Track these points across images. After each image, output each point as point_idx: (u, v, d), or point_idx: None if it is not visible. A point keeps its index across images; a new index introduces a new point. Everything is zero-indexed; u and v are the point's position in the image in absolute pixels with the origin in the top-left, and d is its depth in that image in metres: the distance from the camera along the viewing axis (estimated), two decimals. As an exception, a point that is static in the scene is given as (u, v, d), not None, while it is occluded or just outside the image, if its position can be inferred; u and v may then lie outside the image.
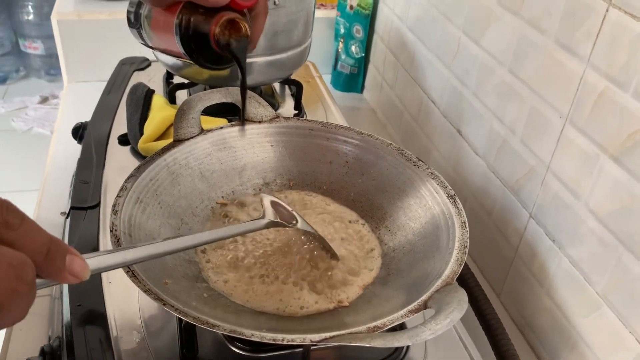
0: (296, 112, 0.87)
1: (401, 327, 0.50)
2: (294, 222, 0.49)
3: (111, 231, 0.45)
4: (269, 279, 0.49)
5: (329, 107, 0.92)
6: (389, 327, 0.39)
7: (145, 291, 0.41)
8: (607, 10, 0.52)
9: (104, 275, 0.57)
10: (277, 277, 0.49)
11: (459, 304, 0.38)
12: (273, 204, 0.49)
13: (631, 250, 0.51)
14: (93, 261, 0.35)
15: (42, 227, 0.32)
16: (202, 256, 0.51)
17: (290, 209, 0.50)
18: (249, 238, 0.53)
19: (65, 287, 0.56)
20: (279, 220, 0.48)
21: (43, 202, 0.78)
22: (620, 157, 0.52)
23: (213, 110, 0.68)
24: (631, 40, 0.50)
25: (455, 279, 0.43)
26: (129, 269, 0.42)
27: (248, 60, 0.75)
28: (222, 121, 0.72)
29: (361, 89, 1.19)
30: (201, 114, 0.59)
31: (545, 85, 0.62)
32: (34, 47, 2.40)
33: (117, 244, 0.44)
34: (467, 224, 0.49)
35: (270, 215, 0.48)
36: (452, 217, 0.50)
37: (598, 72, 0.54)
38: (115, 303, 0.54)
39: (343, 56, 1.15)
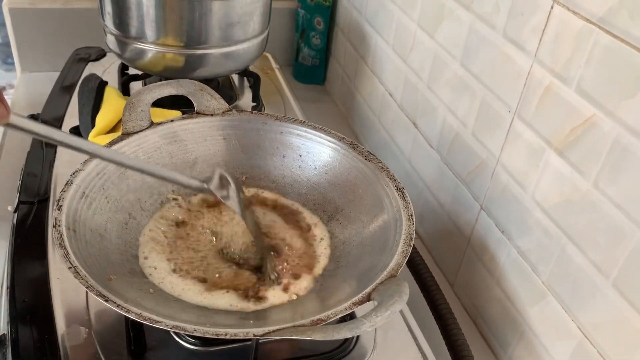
0: (254, 104, 0.86)
1: (351, 317, 0.50)
2: (227, 199, 0.50)
3: (54, 227, 0.45)
4: (218, 278, 0.49)
5: (288, 99, 0.92)
6: (333, 319, 0.40)
7: (87, 287, 0.40)
8: (552, 7, 0.53)
9: (51, 270, 0.56)
10: (224, 278, 0.49)
11: (400, 297, 0.39)
12: (221, 177, 0.50)
13: (573, 241, 0.53)
14: (14, 116, 0.38)
15: None
16: (144, 262, 0.50)
17: (234, 189, 0.50)
18: (195, 240, 0.53)
19: (11, 282, 0.55)
20: (213, 190, 0.49)
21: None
22: (564, 150, 0.53)
23: (166, 102, 0.67)
24: (574, 36, 0.51)
25: (399, 271, 0.44)
26: (71, 264, 0.42)
27: (202, 51, 0.74)
28: (176, 113, 0.71)
29: (323, 81, 1.19)
30: (155, 106, 0.58)
31: (495, 79, 0.63)
32: (-10, 36, 2.32)
33: (60, 239, 0.44)
34: (414, 217, 0.49)
35: (213, 184, 0.49)
36: (399, 210, 0.50)
37: (544, 67, 0.55)
38: (62, 299, 0.53)
39: (304, 48, 1.14)
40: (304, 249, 0.53)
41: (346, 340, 0.52)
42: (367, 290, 0.42)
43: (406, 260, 0.45)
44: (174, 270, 0.49)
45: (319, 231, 0.56)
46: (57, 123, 0.77)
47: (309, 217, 0.57)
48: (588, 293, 0.52)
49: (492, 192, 0.65)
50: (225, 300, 0.47)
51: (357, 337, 0.53)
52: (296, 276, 0.51)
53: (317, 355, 0.52)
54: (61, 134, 0.42)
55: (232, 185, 0.50)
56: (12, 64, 2.38)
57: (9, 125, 0.38)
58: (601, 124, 0.49)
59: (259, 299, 0.47)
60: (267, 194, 0.60)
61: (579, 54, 0.51)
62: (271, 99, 0.91)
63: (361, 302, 0.41)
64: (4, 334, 0.52)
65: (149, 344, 0.49)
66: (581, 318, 0.53)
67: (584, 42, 0.50)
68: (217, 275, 0.49)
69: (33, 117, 0.81)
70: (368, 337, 0.54)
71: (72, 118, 0.77)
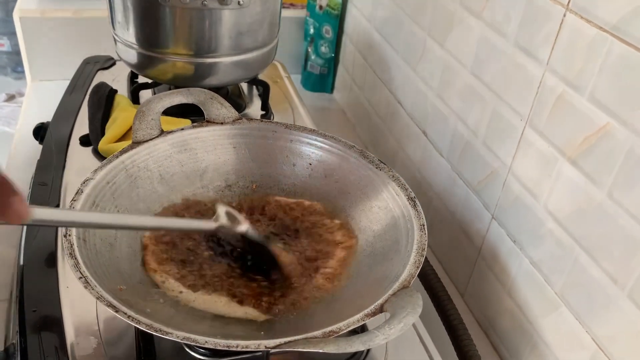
0: (263, 112, 0.86)
1: (362, 329, 0.50)
2: (244, 229, 0.50)
3: (65, 236, 0.44)
4: (230, 288, 0.49)
5: (297, 107, 0.92)
6: (345, 331, 0.39)
7: (97, 298, 0.40)
8: (564, 15, 0.53)
9: (61, 280, 0.56)
10: (236, 288, 0.49)
11: (413, 309, 0.39)
12: (227, 213, 0.50)
13: (587, 251, 0.52)
14: (37, 210, 0.38)
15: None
16: (153, 274, 0.50)
17: (242, 218, 0.50)
18: (205, 249, 0.53)
19: (21, 292, 0.55)
20: (229, 225, 0.49)
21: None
22: (577, 159, 0.53)
23: (176, 111, 0.67)
24: (587, 44, 0.51)
25: (412, 282, 0.43)
26: (81, 274, 0.41)
27: (212, 60, 0.75)
28: (186, 122, 0.71)
29: (331, 89, 1.19)
30: (165, 115, 0.58)
31: (506, 88, 0.62)
32: (0, 44, 2.34)
33: (71, 249, 0.44)
34: (425, 227, 0.49)
35: (223, 220, 0.49)
36: (411, 220, 0.50)
37: (556, 76, 0.55)
38: (72, 308, 0.53)
39: (313, 56, 1.15)
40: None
41: (357, 351, 0.52)
42: (380, 301, 0.41)
43: (419, 271, 0.45)
44: (185, 281, 0.49)
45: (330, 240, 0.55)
46: (67, 131, 0.77)
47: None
48: (602, 304, 0.51)
49: (504, 202, 0.64)
50: (236, 310, 0.46)
51: (368, 349, 0.53)
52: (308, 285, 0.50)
53: (328, 366, 0.51)
54: (97, 216, 0.45)
55: (240, 216, 0.51)
56: (23, 72, 2.41)
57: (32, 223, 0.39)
58: (615, 132, 0.48)
59: (271, 308, 0.47)
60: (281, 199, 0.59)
61: (592, 62, 0.50)
62: (280, 107, 0.91)
63: (374, 314, 0.41)
64: (12, 344, 0.52)
65: (158, 355, 0.49)
66: (595, 329, 0.52)
67: (598, 50, 0.49)
68: (228, 285, 0.49)
69: (42, 126, 0.81)
70: (379, 347, 0.53)
71: (82, 126, 0.77)
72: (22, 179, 0.76)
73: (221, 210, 0.49)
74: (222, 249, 0.52)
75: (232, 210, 0.50)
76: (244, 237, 0.51)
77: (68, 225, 0.42)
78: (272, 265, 0.51)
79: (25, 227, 0.62)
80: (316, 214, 0.57)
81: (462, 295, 0.74)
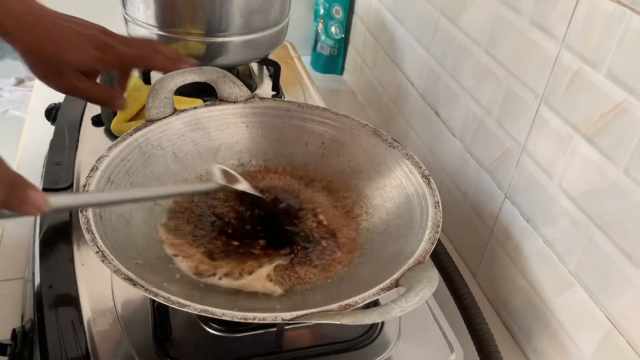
0: (274, 93, 0.86)
1: (375, 304, 0.50)
2: (244, 187, 0.52)
3: (81, 212, 0.45)
4: (244, 263, 0.49)
5: (308, 88, 0.91)
6: (361, 305, 0.40)
7: (115, 272, 0.40)
8: (581, -10, 0.52)
9: (76, 257, 0.56)
10: (250, 262, 0.49)
11: (430, 282, 0.39)
12: (224, 172, 0.52)
13: (602, 229, 0.52)
14: (53, 199, 0.40)
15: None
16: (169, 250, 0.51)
17: (240, 177, 0.52)
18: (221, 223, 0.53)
19: (37, 268, 0.55)
20: (227, 184, 0.51)
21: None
22: (592, 137, 0.52)
23: (188, 91, 0.67)
24: (604, 20, 0.50)
25: (427, 257, 0.43)
26: (98, 249, 0.42)
27: (223, 39, 0.74)
28: (197, 101, 0.71)
29: (341, 71, 1.18)
30: (176, 95, 0.58)
31: (520, 65, 0.62)
32: (9, 28, 2.34)
33: (87, 224, 0.44)
34: (440, 204, 0.49)
35: (220, 179, 0.51)
36: (425, 197, 0.50)
37: (572, 52, 0.54)
38: (87, 285, 0.53)
39: (323, 37, 1.14)
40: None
41: (370, 328, 0.52)
42: (395, 276, 0.41)
43: (434, 246, 0.44)
44: (200, 254, 0.49)
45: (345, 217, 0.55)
46: (78, 112, 0.77)
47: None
48: (617, 282, 0.51)
49: (517, 181, 0.64)
50: (251, 284, 0.47)
51: (382, 325, 0.53)
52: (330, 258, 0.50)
53: (341, 343, 0.51)
54: (112, 194, 0.48)
55: (237, 175, 0.53)
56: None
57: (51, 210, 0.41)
58: (632, 109, 0.48)
59: (287, 283, 0.47)
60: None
61: (610, 38, 0.50)
62: (291, 88, 0.90)
63: (389, 288, 0.41)
64: (29, 320, 0.53)
65: (173, 330, 0.49)
66: (609, 308, 0.52)
67: (615, 26, 0.49)
68: (242, 259, 0.49)
69: (54, 106, 0.81)
70: (392, 325, 0.54)
71: (94, 106, 0.77)
72: (36, 158, 0.77)
73: (217, 169, 0.52)
74: (237, 223, 0.52)
75: (228, 169, 0.52)
76: (244, 195, 0.53)
77: (82, 207, 0.44)
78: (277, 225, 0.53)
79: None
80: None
81: (474, 274, 0.74)
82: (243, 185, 0.52)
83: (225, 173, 0.52)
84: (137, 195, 0.49)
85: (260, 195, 0.54)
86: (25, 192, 0.38)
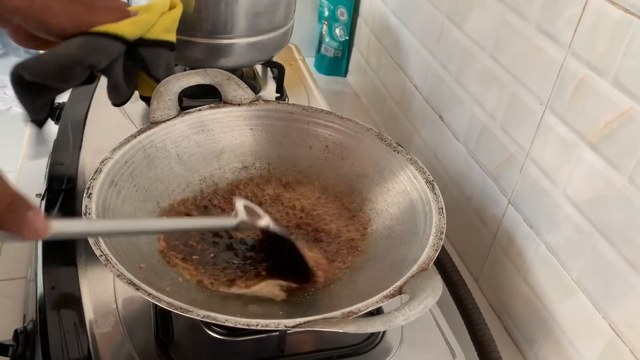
0: (278, 95, 0.86)
1: (378, 311, 0.50)
2: (266, 224, 0.48)
3: (84, 214, 0.45)
4: (248, 268, 0.49)
5: (312, 90, 0.91)
6: (364, 312, 0.39)
7: (117, 276, 0.40)
8: (588, -3, 0.52)
9: (79, 258, 0.56)
10: (253, 267, 0.49)
11: (433, 290, 0.39)
12: (246, 207, 0.48)
13: (606, 237, 0.52)
14: (55, 224, 0.36)
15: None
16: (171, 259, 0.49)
17: (262, 212, 0.48)
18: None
19: (40, 269, 0.55)
20: (250, 221, 0.47)
21: (20, 183, 0.77)
22: (597, 144, 0.52)
23: (192, 93, 0.67)
24: (611, 27, 0.50)
25: (430, 264, 0.43)
26: (101, 252, 0.42)
27: (227, 41, 0.74)
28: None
29: (345, 73, 1.18)
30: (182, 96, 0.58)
31: (526, 71, 0.61)
32: (13, 25, 2.34)
33: (91, 227, 0.44)
34: (444, 210, 0.49)
35: (242, 216, 0.47)
36: (429, 203, 0.50)
37: (578, 59, 0.54)
38: (90, 286, 0.53)
39: (327, 39, 1.14)
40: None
41: (373, 334, 0.52)
42: (399, 283, 0.41)
43: (437, 254, 0.44)
44: (203, 259, 0.49)
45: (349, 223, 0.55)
46: (83, 111, 0.77)
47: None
48: (620, 290, 0.51)
49: (521, 187, 0.64)
50: (254, 289, 0.46)
51: (384, 331, 0.53)
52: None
53: (343, 348, 0.51)
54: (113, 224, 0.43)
55: (259, 210, 0.48)
56: (35, 53, 2.40)
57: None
58: (638, 117, 0.48)
59: (290, 289, 0.47)
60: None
61: (616, 46, 0.49)
62: (295, 90, 0.90)
63: (392, 296, 0.41)
64: (32, 320, 0.53)
65: (176, 333, 0.49)
66: (612, 316, 0.52)
67: (622, 33, 0.49)
68: (246, 264, 0.49)
69: (58, 106, 0.81)
70: (395, 331, 0.53)
71: (98, 104, 0.77)
72: (39, 160, 0.77)
73: (240, 205, 0.47)
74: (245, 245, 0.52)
75: (250, 204, 0.49)
76: (265, 231, 0.49)
77: (85, 236, 0.41)
78: (295, 260, 0.49)
79: (43, 205, 0.63)
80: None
81: (476, 279, 0.74)
82: (264, 221, 0.48)
83: (247, 209, 0.48)
84: (145, 228, 0.46)
85: (282, 233, 0.49)
86: (25, 215, 0.34)
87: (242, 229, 0.48)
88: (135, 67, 0.59)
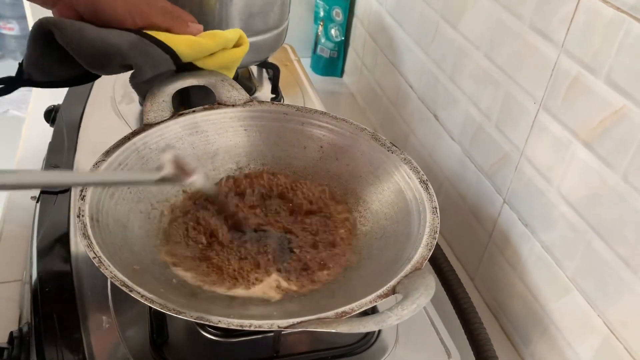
0: (273, 96, 0.86)
1: (372, 311, 0.50)
2: (192, 182, 0.44)
3: (78, 217, 0.45)
4: (241, 269, 0.49)
5: (307, 91, 0.91)
6: (357, 312, 0.39)
7: (111, 278, 0.40)
8: (581, -4, 0.52)
9: (73, 259, 0.56)
10: (247, 268, 0.49)
11: (426, 290, 0.39)
12: (175, 161, 0.43)
13: (600, 235, 0.52)
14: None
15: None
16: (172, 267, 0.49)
17: (194, 168, 0.44)
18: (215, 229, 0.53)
19: (35, 271, 0.55)
20: (173, 177, 0.43)
21: (14, 186, 0.76)
22: (591, 143, 0.52)
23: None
24: (604, 26, 0.50)
25: (424, 264, 0.43)
26: (95, 254, 0.42)
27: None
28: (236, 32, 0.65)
29: (341, 73, 1.18)
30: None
31: (520, 70, 0.62)
32: (9, 28, 2.35)
33: (84, 229, 0.44)
34: (438, 209, 0.49)
35: (168, 170, 0.42)
36: (423, 203, 0.50)
37: (571, 58, 0.54)
38: (84, 288, 0.53)
39: (322, 40, 1.14)
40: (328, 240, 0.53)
41: (368, 333, 0.52)
42: (392, 283, 0.41)
43: (431, 253, 0.44)
44: (197, 260, 0.49)
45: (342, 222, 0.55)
46: (78, 114, 0.77)
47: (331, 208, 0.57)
48: (615, 288, 0.51)
49: (516, 185, 0.64)
50: (248, 290, 0.46)
51: (379, 330, 0.53)
52: (321, 267, 0.50)
53: (338, 348, 0.51)
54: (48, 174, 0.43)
55: (190, 165, 0.44)
56: (32, 56, 2.40)
57: None
58: (631, 115, 0.48)
59: (282, 288, 0.47)
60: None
61: (609, 44, 0.49)
62: (290, 90, 0.90)
63: (386, 295, 0.41)
64: (26, 323, 0.53)
65: (170, 334, 0.49)
66: (607, 314, 0.52)
67: (615, 32, 0.49)
68: (239, 265, 0.49)
69: (54, 108, 0.81)
70: (390, 330, 0.53)
71: (93, 108, 0.77)
72: (34, 160, 0.77)
73: (167, 158, 0.43)
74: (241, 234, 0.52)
75: (181, 158, 0.44)
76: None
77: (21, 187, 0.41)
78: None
79: (38, 208, 0.63)
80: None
81: (472, 279, 0.74)
82: (192, 178, 0.44)
83: (176, 163, 0.43)
84: (68, 180, 0.46)
85: (213, 190, 0.48)
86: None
87: (166, 184, 0.45)
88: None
